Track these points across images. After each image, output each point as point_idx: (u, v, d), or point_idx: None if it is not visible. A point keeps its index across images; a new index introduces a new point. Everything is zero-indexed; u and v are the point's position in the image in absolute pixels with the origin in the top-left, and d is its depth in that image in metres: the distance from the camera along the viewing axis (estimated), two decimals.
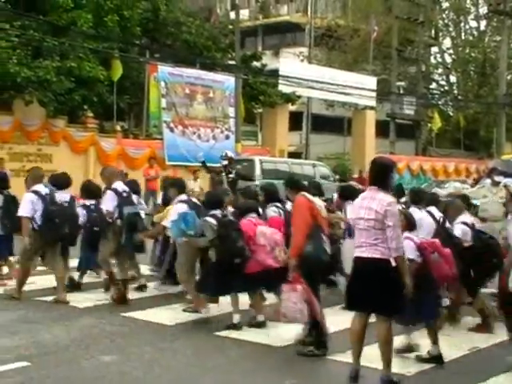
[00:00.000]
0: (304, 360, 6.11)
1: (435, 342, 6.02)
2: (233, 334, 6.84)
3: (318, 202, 6.45)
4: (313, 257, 6.09)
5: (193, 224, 7.44)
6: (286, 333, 6.65)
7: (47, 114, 18.99)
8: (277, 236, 6.99)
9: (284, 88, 26.16)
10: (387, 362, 5.29)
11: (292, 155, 27.87)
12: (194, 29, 25.23)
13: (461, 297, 7.24)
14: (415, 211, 7.37)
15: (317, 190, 8.33)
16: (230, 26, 27.71)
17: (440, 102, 40.60)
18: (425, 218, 7.44)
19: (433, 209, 7.72)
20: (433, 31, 41.03)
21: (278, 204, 7.86)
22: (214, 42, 26.07)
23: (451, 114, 40.64)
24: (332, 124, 34.28)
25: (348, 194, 8.25)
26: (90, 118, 21.11)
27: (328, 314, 6.47)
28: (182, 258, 7.78)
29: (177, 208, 7.77)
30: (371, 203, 5.28)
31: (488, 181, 11.94)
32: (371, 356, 5.98)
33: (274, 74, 27.37)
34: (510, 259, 6.29)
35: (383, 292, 5.18)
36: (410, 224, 6.14)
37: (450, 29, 41.11)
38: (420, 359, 5.99)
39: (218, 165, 16.70)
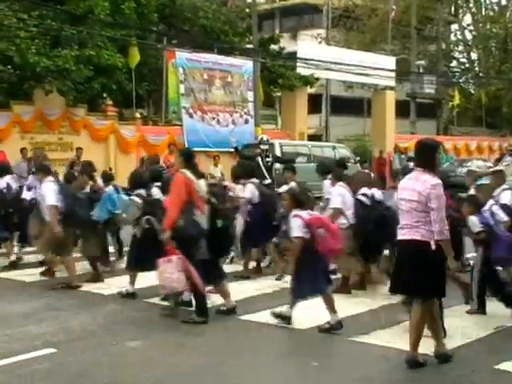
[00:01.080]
0: (324, 342, 6.14)
1: (333, 310, 6.30)
2: (256, 317, 6.88)
3: (199, 182, 6.88)
4: (183, 229, 6.47)
5: (118, 203, 8.51)
6: (306, 315, 6.67)
7: (67, 102, 19.10)
8: None
9: (302, 71, 26.01)
10: (414, 345, 5.31)
11: (312, 138, 27.78)
12: (210, 13, 25.13)
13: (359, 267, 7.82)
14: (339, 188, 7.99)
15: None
16: (247, 10, 27.53)
17: (461, 80, 40.15)
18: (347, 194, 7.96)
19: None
20: (452, 8, 40.50)
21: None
22: (231, 27, 25.94)
23: (472, 91, 40.17)
24: (351, 105, 34.09)
25: (240, 174, 9.16)
26: (109, 105, 21.20)
27: (351, 296, 6.47)
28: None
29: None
30: (415, 184, 5.25)
31: (510, 158, 11.81)
32: (394, 336, 6.00)
33: (292, 56, 27.21)
34: None
35: (421, 274, 5.16)
36: (296, 202, 6.42)
37: (471, 5, 40.50)
38: (321, 330, 6.29)
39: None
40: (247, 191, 8.95)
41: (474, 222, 6.89)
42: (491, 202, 7.04)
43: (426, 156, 5.37)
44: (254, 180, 9.16)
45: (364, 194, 7.97)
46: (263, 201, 8.93)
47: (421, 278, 5.18)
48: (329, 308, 6.32)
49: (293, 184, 8.65)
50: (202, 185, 6.89)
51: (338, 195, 7.91)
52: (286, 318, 6.48)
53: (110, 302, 7.60)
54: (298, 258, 6.29)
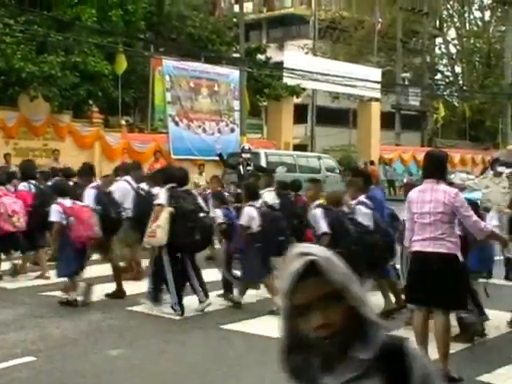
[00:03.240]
0: None
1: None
2: (238, 326, 6.88)
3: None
4: None
5: None
6: None
7: (52, 109, 19.03)
8: (15, 206, 8.68)
9: (289, 81, 26.13)
10: (445, 356, 5.27)
11: (297, 148, 27.85)
12: (198, 22, 25.20)
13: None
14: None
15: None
16: (235, 19, 27.64)
17: (445, 93, 40.51)
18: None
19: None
20: (437, 22, 40.93)
21: (32, 181, 9.63)
22: (218, 36, 26.02)
23: (456, 104, 40.55)
24: (337, 116, 34.27)
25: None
26: (95, 112, 21.14)
27: None
28: None
29: None
30: (436, 195, 5.20)
31: (491, 171, 11.93)
32: None
33: (279, 66, 27.35)
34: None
35: (448, 286, 5.17)
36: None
37: (455, 19, 41.01)
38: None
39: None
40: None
41: None
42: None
43: (438, 167, 5.38)
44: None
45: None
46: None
47: (447, 290, 5.18)
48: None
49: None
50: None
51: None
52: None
53: (92, 310, 7.55)
54: (55, 241, 7.73)
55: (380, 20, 33.28)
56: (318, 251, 1.63)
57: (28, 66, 17.09)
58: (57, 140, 19.51)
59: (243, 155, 16.42)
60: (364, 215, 7.15)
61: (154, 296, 7.45)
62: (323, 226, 6.73)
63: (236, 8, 31.71)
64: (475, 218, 5.27)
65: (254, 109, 26.99)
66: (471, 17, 40.83)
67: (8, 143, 18.37)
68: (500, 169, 11.12)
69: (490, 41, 39.05)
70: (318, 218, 6.76)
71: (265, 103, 28.17)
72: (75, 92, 19.28)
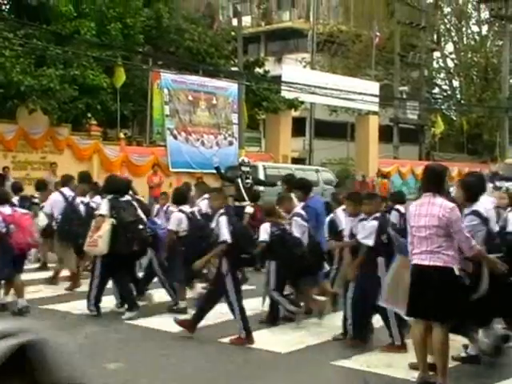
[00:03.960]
0: (306, 365, 6.12)
1: (20, 295, 7.79)
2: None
3: None
4: None
5: None
6: (288, 339, 6.66)
7: (51, 122, 19.05)
8: None
9: (287, 94, 26.20)
10: (443, 369, 5.30)
11: (295, 161, 27.88)
12: (196, 36, 25.30)
13: None
14: None
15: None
16: (233, 33, 27.76)
17: (443, 107, 40.64)
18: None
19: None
20: (435, 36, 41.11)
21: None
22: (216, 49, 26.12)
23: (454, 118, 40.67)
24: (335, 129, 34.34)
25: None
26: (93, 125, 21.17)
27: (330, 319, 6.47)
28: None
29: None
30: (432, 210, 5.26)
31: (491, 185, 11.92)
32: (377, 362, 6.00)
33: (277, 80, 27.43)
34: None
35: (444, 300, 5.20)
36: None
37: (452, 34, 41.19)
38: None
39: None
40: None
41: None
42: None
43: (436, 181, 5.43)
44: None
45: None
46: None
47: (444, 303, 5.22)
48: (16, 293, 7.82)
49: None
50: None
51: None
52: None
53: (90, 323, 7.53)
54: None
55: (378, 34, 33.44)
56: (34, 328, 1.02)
57: (27, 79, 17.13)
58: (55, 153, 19.51)
59: (242, 168, 16.45)
60: (299, 227, 7.48)
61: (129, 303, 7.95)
62: (225, 234, 6.76)
63: (234, 22, 31.89)
64: (465, 235, 5.30)
65: (252, 122, 27.05)
66: (469, 31, 41.02)
67: (6, 156, 18.36)
68: (499, 183, 11.15)
69: (488, 55, 39.22)
70: (221, 225, 6.81)
71: (263, 116, 28.24)
72: (74, 105, 19.32)
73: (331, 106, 31.03)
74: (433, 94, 41.28)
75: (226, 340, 6.85)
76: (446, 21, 41.30)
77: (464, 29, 40.90)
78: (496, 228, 6.27)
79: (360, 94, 27.37)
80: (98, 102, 20.00)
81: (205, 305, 6.99)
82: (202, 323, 7.26)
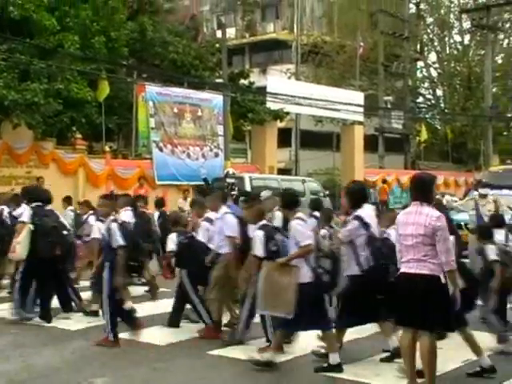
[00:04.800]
0: (296, 376, 6.10)
1: None
2: (226, 352, 6.81)
3: None
4: None
5: None
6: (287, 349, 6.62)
7: (35, 136, 18.94)
8: None
9: (272, 105, 26.26)
10: (430, 377, 5.31)
11: (282, 172, 27.92)
12: (181, 48, 25.33)
13: None
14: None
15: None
16: (217, 45, 27.82)
17: (427, 116, 40.94)
18: None
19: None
20: (418, 46, 41.46)
21: None
22: (201, 61, 26.16)
23: (439, 127, 40.96)
24: (321, 140, 34.45)
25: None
26: (78, 139, 21.08)
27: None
28: None
29: None
30: (419, 218, 5.30)
31: (476, 193, 12.00)
32: (363, 370, 5.98)
33: (262, 91, 27.51)
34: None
35: (431, 308, 5.21)
36: None
37: (435, 43, 41.55)
38: None
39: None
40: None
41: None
42: None
43: (424, 190, 5.47)
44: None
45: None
46: None
47: (431, 311, 5.22)
48: None
49: None
50: None
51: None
52: None
53: (76, 338, 7.46)
54: None
55: (362, 44, 33.66)
56: None
57: (11, 93, 17.03)
58: (40, 167, 19.39)
59: (227, 180, 16.47)
60: (205, 230, 7.82)
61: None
62: (119, 240, 7.05)
63: (219, 34, 31.99)
64: (448, 246, 5.30)
65: (237, 133, 27.07)
66: (451, 41, 41.40)
67: None
68: (483, 191, 11.24)
69: (470, 64, 39.57)
70: (113, 232, 7.09)
71: (248, 128, 28.27)
72: (58, 119, 19.23)
73: (316, 116, 31.15)
74: (417, 104, 41.58)
75: (215, 352, 6.81)
76: (428, 31, 41.66)
77: (447, 38, 41.27)
78: (376, 233, 6.45)
79: (345, 104, 27.50)
80: (83, 115, 19.93)
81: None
82: (190, 335, 7.21)
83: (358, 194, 6.58)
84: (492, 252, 6.97)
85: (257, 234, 6.73)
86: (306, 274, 6.16)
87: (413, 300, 5.28)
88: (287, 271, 6.17)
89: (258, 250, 6.65)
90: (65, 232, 8.50)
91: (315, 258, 6.24)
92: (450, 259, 5.26)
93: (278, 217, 9.03)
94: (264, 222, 6.97)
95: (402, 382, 5.58)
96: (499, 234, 7.35)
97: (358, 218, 6.30)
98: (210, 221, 7.90)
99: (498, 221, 7.89)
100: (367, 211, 6.45)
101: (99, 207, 7.96)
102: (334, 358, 6.10)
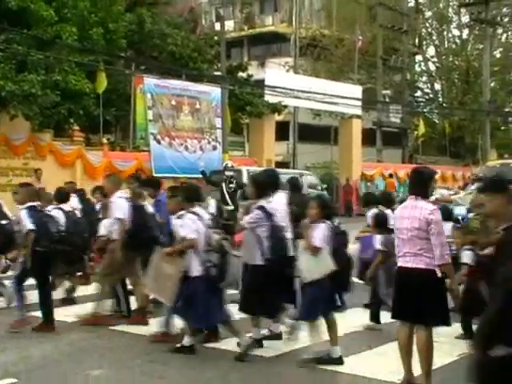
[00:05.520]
0: (293, 370, 6.11)
1: None
2: (221, 345, 6.82)
3: None
4: None
5: None
6: (278, 344, 6.63)
7: (33, 127, 18.90)
8: None
9: (270, 98, 26.23)
10: (427, 371, 5.32)
11: (279, 165, 27.88)
12: (179, 40, 25.26)
13: None
14: None
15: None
16: (216, 38, 27.76)
17: (425, 110, 40.92)
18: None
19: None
20: (416, 40, 41.39)
21: None
22: (199, 54, 26.10)
23: (437, 121, 40.94)
24: (319, 133, 34.41)
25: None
26: (76, 131, 21.04)
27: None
28: None
29: None
30: (414, 212, 5.31)
31: (474, 187, 12.01)
32: (359, 363, 5.99)
33: (260, 84, 27.46)
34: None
35: (427, 302, 5.22)
36: None
37: (434, 37, 41.47)
38: None
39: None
40: None
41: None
42: None
43: (420, 184, 5.46)
44: None
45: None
46: None
47: (427, 305, 5.23)
48: None
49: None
50: None
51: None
52: None
53: (74, 330, 7.45)
54: None
55: (360, 38, 33.62)
56: None
57: (8, 84, 16.97)
58: (37, 159, 19.36)
59: (226, 173, 16.47)
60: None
61: None
62: (28, 224, 7.34)
63: (217, 26, 31.88)
64: (442, 240, 5.31)
65: (235, 126, 27.04)
66: (450, 35, 41.32)
67: None
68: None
69: (469, 58, 39.52)
70: (23, 217, 7.41)
71: (246, 121, 28.24)
72: (56, 110, 19.17)
73: (314, 109, 31.11)
74: (415, 98, 41.54)
75: (212, 346, 6.81)
76: (427, 25, 41.58)
77: (445, 32, 41.20)
78: (284, 222, 6.43)
79: (343, 97, 27.47)
80: (81, 107, 19.88)
81: None
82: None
83: (264, 184, 6.57)
84: (378, 242, 7.27)
85: (175, 223, 6.82)
86: (196, 268, 6.36)
87: (409, 294, 5.29)
88: (173, 261, 6.47)
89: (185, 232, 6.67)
90: (3, 222, 8.55)
91: (205, 252, 6.42)
92: (445, 253, 5.26)
93: (211, 204, 9.23)
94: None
95: (398, 375, 5.59)
96: (446, 227, 7.58)
97: (262, 208, 6.37)
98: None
99: (446, 214, 8.12)
100: (278, 200, 6.46)
101: (18, 196, 8.01)
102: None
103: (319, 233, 6.06)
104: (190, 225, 6.42)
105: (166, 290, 6.42)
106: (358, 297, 7.66)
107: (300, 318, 6.35)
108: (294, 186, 8.54)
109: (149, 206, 8.34)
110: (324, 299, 6.03)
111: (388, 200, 8.90)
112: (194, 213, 6.53)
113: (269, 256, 6.25)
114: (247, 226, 6.43)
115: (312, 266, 6.02)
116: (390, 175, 28.51)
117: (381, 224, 7.43)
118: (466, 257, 6.98)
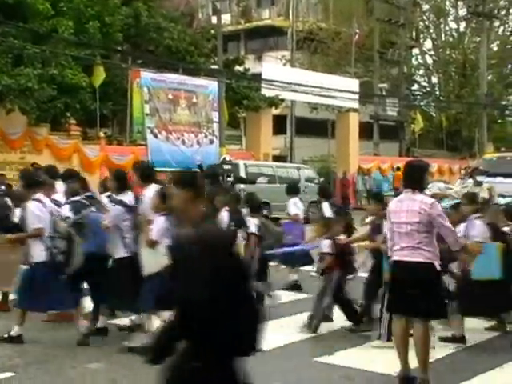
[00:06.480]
0: (289, 362, 6.12)
1: None
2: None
3: None
4: None
5: None
6: (273, 336, 6.65)
7: (29, 122, 18.88)
8: None
9: (267, 92, 26.20)
10: (424, 364, 5.33)
11: (277, 159, 27.91)
12: (176, 34, 25.19)
13: None
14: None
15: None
16: (212, 31, 27.70)
17: (422, 103, 40.93)
18: None
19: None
20: (413, 33, 41.34)
21: None
22: (196, 47, 26.04)
23: (434, 114, 40.95)
24: (316, 127, 34.42)
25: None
26: (72, 125, 21.02)
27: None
28: None
29: None
30: (413, 205, 5.29)
31: (471, 180, 12.04)
32: (355, 357, 6.01)
33: (257, 77, 27.43)
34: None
35: (426, 295, 5.22)
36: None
37: (431, 30, 41.45)
38: None
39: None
40: None
41: None
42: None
43: (415, 177, 5.46)
44: None
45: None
46: None
47: (425, 299, 5.23)
48: None
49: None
50: None
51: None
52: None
53: (72, 324, 7.44)
54: None
55: (357, 31, 33.57)
56: None
57: (4, 78, 16.94)
58: (34, 153, 19.33)
59: (224, 166, 16.49)
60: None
61: None
62: None
63: (214, 20, 31.80)
64: (451, 228, 5.35)
65: (232, 120, 27.03)
66: (447, 28, 41.28)
67: None
68: (479, 178, 11.28)
69: (466, 52, 39.52)
70: None
71: (243, 114, 28.22)
72: (52, 105, 19.14)
73: (312, 103, 31.09)
74: (412, 91, 41.53)
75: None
76: (424, 18, 41.55)
77: (442, 26, 41.17)
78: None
79: (340, 91, 27.45)
80: (77, 101, 19.85)
81: None
82: None
83: (122, 176, 6.78)
84: (252, 224, 7.54)
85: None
86: (40, 254, 6.49)
87: (406, 288, 5.29)
88: (16, 249, 6.72)
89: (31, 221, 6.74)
90: None
91: (50, 239, 6.53)
92: (456, 238, 5.38)
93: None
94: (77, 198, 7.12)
95: (395, 368, 5.61)
96: (325, 207, 8.19)
97: (121, 202, 6.50)
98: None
99: (324, 193, 8.42)
100: (149, 193, 6.49)
101: None
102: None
103: (157, 226, 6.08)
104: (38, 214, 6.52)
105: (5, 276, 6.65)
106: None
107: (141, 310, 6.35)
108: (213, 175, 8.67)
109: None
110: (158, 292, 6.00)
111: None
112: (38, 200, 6.60)
113: (132, 248, 6.44)
114: (109, 224, 6.56)
115: (150, 260, 6.03)
116: (398, 168, 28.47)
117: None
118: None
